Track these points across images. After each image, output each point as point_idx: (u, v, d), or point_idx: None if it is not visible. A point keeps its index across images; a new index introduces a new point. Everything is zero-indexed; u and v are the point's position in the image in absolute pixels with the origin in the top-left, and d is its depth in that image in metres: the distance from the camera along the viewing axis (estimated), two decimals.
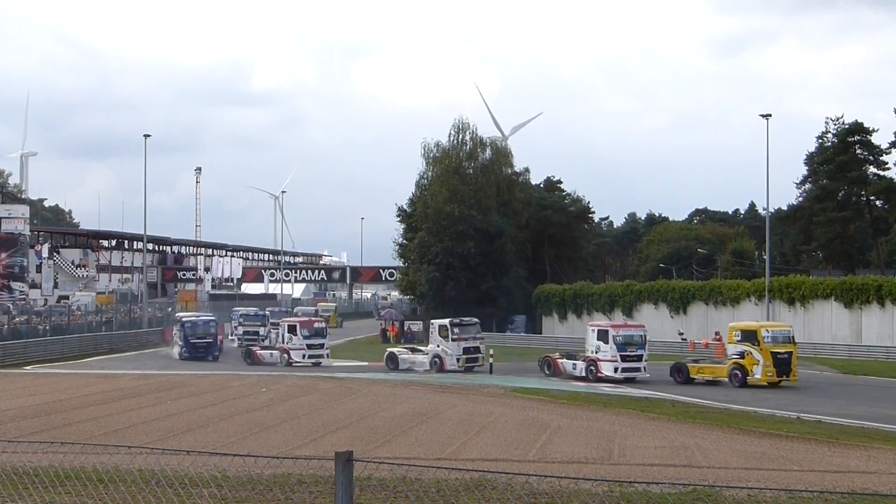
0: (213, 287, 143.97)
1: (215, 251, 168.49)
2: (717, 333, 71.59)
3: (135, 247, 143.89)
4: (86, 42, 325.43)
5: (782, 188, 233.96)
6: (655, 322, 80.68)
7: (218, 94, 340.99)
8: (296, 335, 61.67)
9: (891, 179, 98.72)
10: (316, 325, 64.21)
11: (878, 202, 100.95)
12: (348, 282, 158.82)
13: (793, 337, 49.27)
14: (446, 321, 58.23)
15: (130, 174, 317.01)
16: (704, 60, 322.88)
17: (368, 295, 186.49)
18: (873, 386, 49.07)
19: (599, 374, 50.45)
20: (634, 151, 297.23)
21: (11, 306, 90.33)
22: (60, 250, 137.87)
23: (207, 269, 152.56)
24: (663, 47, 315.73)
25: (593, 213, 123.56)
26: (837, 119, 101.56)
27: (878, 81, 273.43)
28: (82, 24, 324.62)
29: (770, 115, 71.67)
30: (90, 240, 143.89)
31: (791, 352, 47.74)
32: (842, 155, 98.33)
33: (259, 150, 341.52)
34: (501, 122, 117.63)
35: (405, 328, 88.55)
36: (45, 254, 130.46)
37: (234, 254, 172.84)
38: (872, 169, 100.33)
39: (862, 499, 16.91)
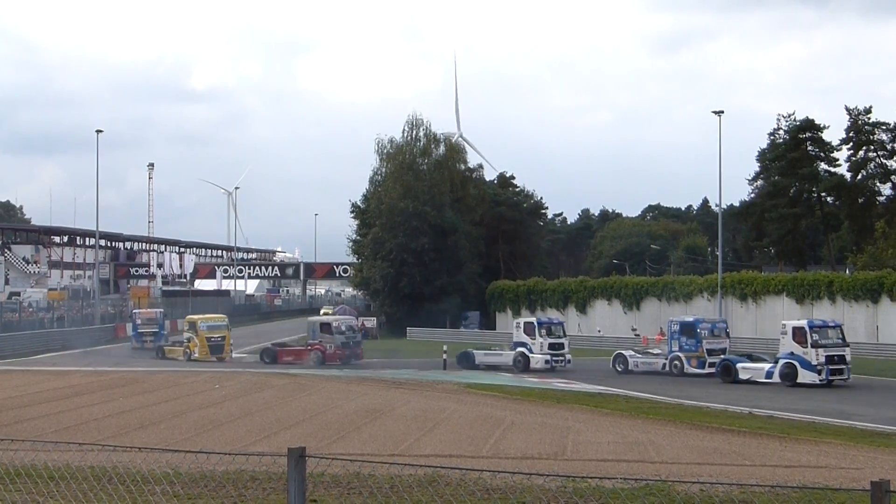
0: (165, 283, 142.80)
1: (168, 247, 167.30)
2: (661, 329, 72.22)
3: (87, 243, 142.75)
4: (24, 36, 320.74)
5: (734, 184, 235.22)
6: (608, 318, 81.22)
7: (161, 91, 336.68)
8: None
9: (841, 176, 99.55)
10: None
11: (828, 199, 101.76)
12: (302, 278, 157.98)
13: None
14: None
15: (78, 170, 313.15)
16: (645, 57, 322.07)
17: (322, 291, 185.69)
18: None
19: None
20: (586, 147, 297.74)
21: None
22: (11, 246, 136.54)
23: (160, 266, 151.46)
24: (603, 44, 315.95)
25: (546, 209, 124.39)
26: (789, 116, 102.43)
27: (818, 79, 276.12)
28: (19, 19, 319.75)
29: (722, 112, 72.19)
30: (41, 236, 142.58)
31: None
32: (793, 152, 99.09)
33: (205, 147, 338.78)
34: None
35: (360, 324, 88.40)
36: None
37: (187, 250, 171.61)
38: (823, 166, 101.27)
39: (812, 493, 17.04)
